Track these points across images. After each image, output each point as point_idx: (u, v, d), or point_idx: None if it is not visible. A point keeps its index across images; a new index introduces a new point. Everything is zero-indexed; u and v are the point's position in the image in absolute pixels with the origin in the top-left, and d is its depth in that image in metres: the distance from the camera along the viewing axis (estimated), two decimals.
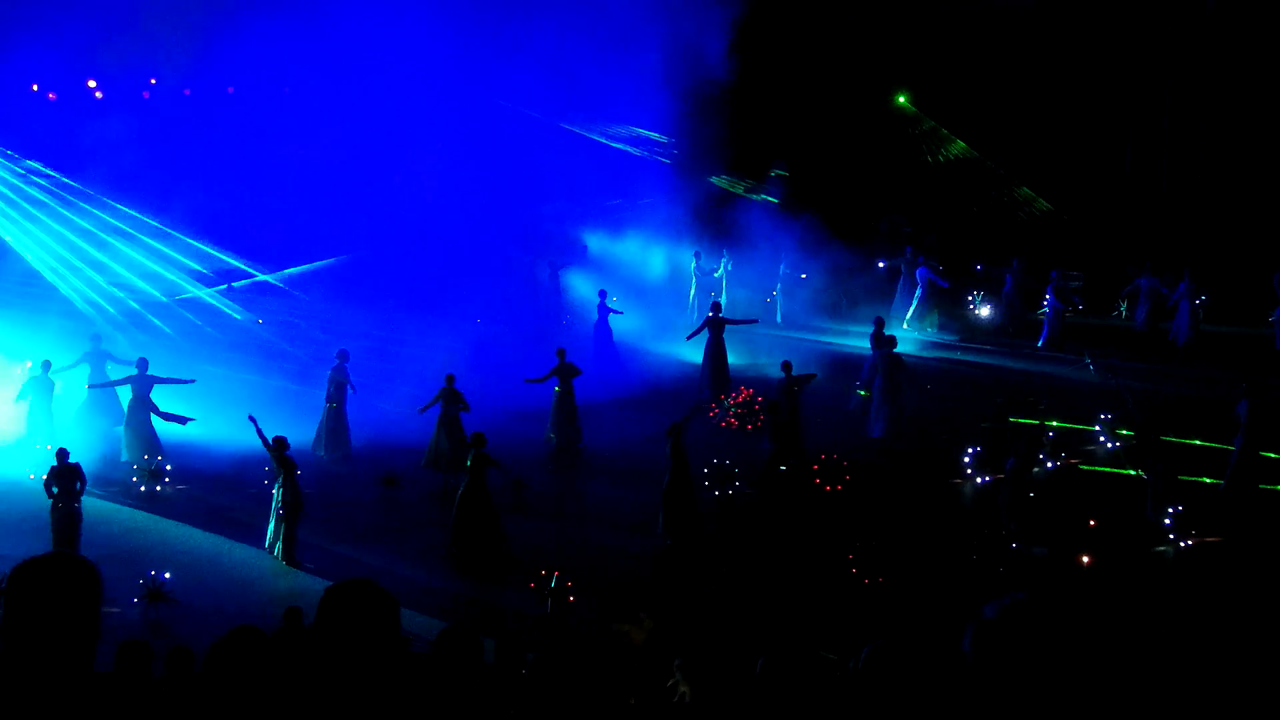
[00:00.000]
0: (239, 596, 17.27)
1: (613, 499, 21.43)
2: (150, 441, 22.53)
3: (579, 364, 24.35)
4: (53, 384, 23.12)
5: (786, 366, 23.17)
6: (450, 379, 22.30)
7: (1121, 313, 33.41)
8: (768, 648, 7.25)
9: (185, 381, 23.05)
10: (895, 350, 24.58)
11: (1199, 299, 31.01)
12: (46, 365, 23.17)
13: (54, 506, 18.30)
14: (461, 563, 18.59)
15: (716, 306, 28.39)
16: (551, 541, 19.16)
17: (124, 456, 22.59)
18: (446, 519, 19.18)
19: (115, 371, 23.92)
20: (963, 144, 38.61)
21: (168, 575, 17.13)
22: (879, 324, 26.24)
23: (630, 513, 20.50)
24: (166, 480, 21.80)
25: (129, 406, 22.73)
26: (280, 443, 18.84)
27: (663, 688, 8.32)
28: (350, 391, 23.36)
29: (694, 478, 19.79)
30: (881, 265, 35.02)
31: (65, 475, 18.45)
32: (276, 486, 18.79)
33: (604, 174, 33.74)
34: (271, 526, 18.83)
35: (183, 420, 22.57)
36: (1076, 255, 34.97)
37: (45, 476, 18.61)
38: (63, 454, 18.75)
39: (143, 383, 22.64)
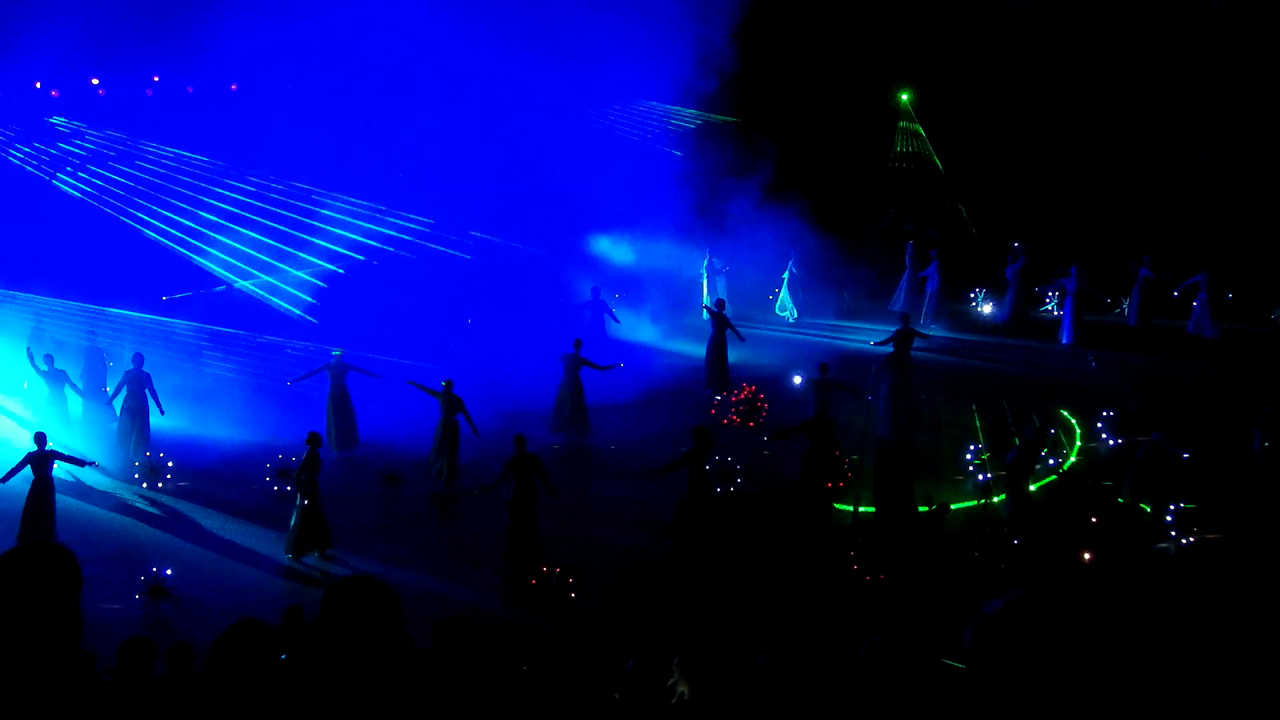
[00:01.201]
0: (240, 592, 17.29)
1: (618, 497, 21.44)
2: (145, 437, 22.51)
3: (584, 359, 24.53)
4: (63, 374, 23.10)
5: (824, 368, 23.16)
6: (448, 384, 21.79)
7: (1124, 310, 33.38)
8: (769, 644, 7.26)
9: (159, 407, 22.85)
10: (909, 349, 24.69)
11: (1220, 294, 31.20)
12: (50, 359, 23.16)
13: (29, 492, 18.43)
14: (517, 571, 18.02)
15: (720, 304, 28.46)
16: (557, 539, 19.13)
17: (119, 453, 22.57)
18: (501, 531, 18.72)
19: (112, 375, 24.01)
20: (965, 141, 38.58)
21: (169, 571, 17.17)
22: (905, 320, 26.19)
23: (635, 511, 20.56)
24: (168, 476, 21.83)
25: (124, 403, 22.67)
26: (312, 439, 18.81)
27: (656, 684, 8.31)
28: (355, 374, 23.36)
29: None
30: (885, 222, 35.11)
31: (41, 461, 18.51)
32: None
33: (610, 168, 33.59)
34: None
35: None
36: (1077, 251, 34.98)
37: (19, 461, 18.69)
38: (40, 438, 18.80)
39: (139, 379, 22.65)
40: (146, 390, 22.55)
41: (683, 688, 7.66)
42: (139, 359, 22.81)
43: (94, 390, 23.92)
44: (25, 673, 4.24)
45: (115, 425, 23.00)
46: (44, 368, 23.04)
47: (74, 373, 23.77)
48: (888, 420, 23.78)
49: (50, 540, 17.94)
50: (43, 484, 18.60)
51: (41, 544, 4.57)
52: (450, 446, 21.48)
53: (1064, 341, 30.78)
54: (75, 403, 23.59)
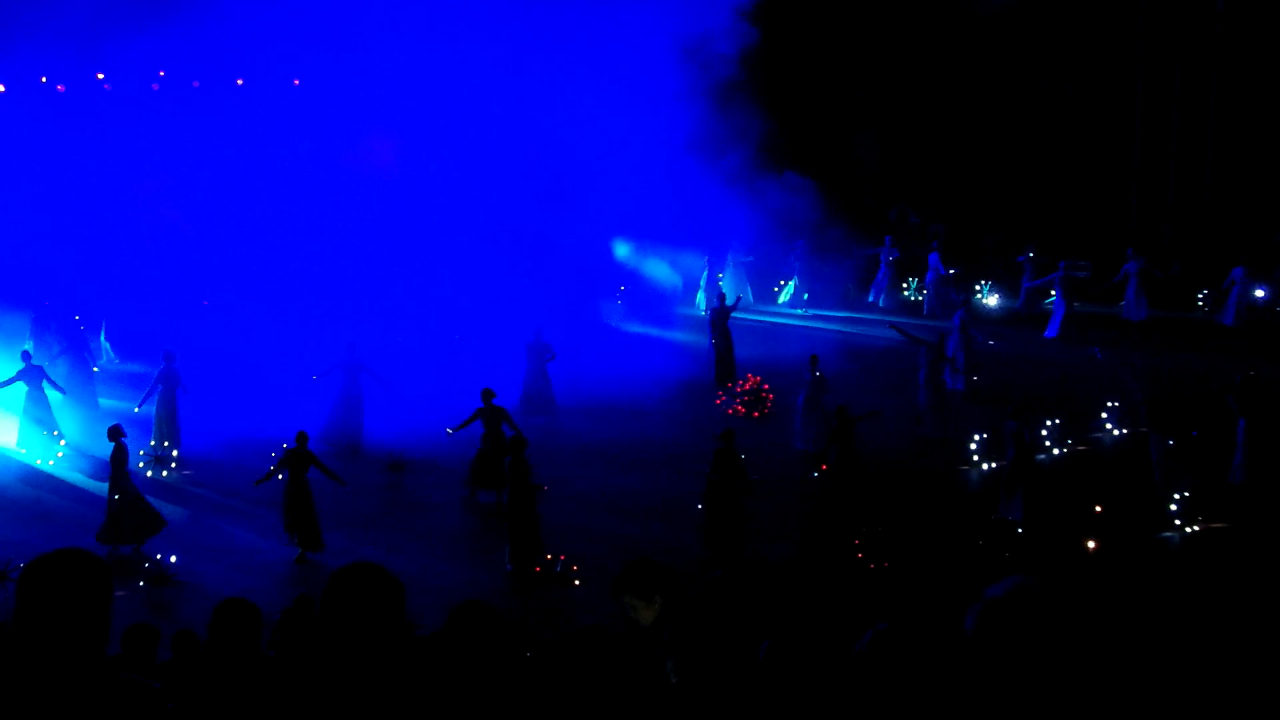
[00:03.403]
0: (245, 580, 17.30)
1: (623, 488, 21.46)
2: (175, 433, 22.49)
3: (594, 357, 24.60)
4: (40, 370, 22.98)
5: (814, 361, 23.42)
6: (488, 394, 20.98)
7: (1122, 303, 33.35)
8: (773, 632, 7.24)
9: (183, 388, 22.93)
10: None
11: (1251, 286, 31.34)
12: (27, 356, 23.03)
13: (118, 488, 18.17)
14: (521, 575, 17.85)
15: (722, 298, 28.52)
16: (563, 528, 19.10)
17: (151, 442, 22.44)
18: (501, 535, 18.52)
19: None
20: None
21: (174, 558, 17.20)
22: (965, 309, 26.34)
23: (642, 501, 20.64)
24: (173, 465, 21.83)
25: (159, 397, 22.49)
26: (299, 438, 18.68)
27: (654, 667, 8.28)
28: (368, 377, 23.32)
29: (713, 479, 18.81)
30: (893, 215, 35.22)
31: (123, 454, 18.33)
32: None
33: (618, 161, 33.33)
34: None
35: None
36: (1087, 244, 35.03)
37: (113, 454, 18.39)
38: (117, 431, 18.53)
39: (172, 376, 22.54)
40: (178, 387, 22.51)
41: (670, 661, 7.64)
42: (170, 356, 22.72)
43: (76, 376, 23.80)
44: (52, 676, 4.27)
45: (96, 410, 23.04)
46: (21, 364, 22.89)
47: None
48: (929, 415, 23.88)
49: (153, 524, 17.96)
50: (125, 478, 18.35)
51: (76, 550, 4.59)
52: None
53: (1046, 335, 30.74)
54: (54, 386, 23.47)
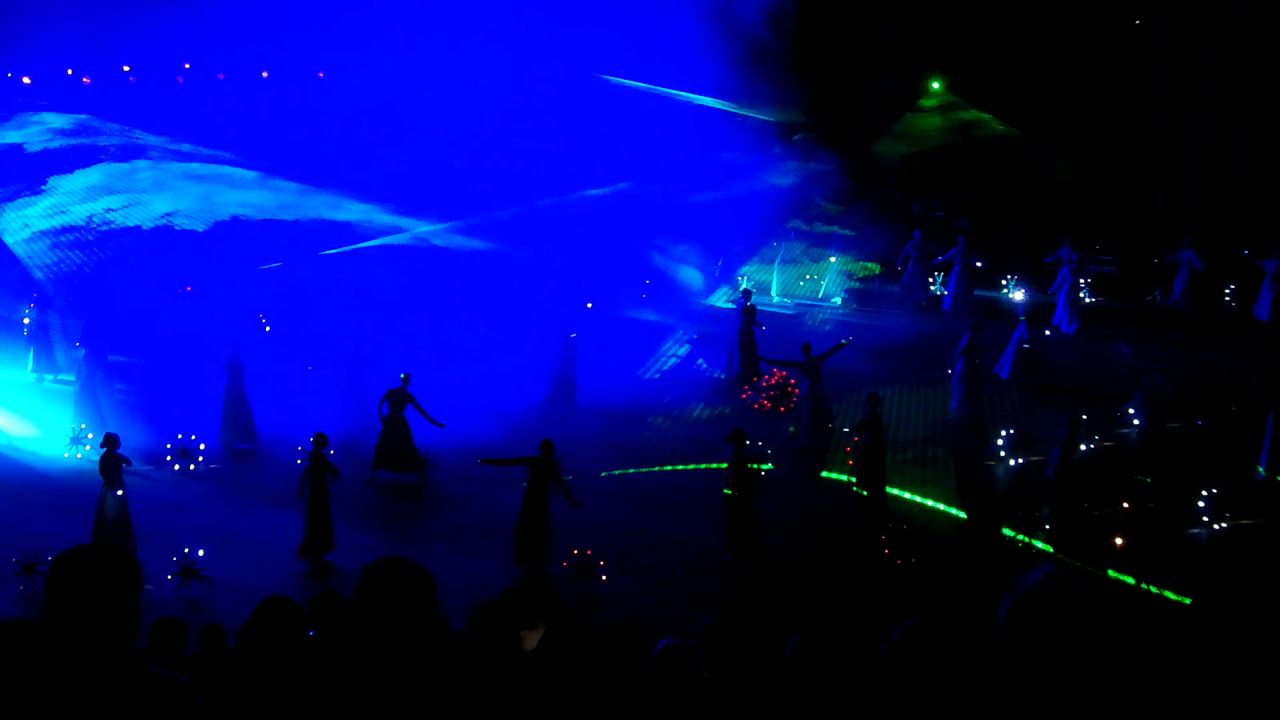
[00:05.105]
0: (272, 574, 17.35)
1: (635, 482, 21.44)
2: (246, 420, 22.48)
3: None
4: (97, 365, 23.08)
5: (805, 349, 23.45)
6: (405, 379, 21.21)
7: (1156, 297, 33.08)
8: (800, 628, 7.22)
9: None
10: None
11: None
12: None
13: (102, 495, 17.89)
14: (525, 559, 17.89)
15: (747, 294, 28.41)
16: (587, 521, 19.08)
17: (221, 437, 22.39)
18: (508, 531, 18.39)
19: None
20: (1000, 124, 38.33)
21: (201, 552, 17.24)
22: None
23: (657, 496, 20.59)
24: (200, 459, 21.87)
25: (225, 388, 22.48)
26: (317, 440, 18.45)
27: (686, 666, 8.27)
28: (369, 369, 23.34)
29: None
30: (916, 210, 35.28)
31: (113, 463, 18.06)
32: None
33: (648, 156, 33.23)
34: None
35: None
36: (1111, 239, 34.84)
37: (100, 462, 18.07)
38: (112, 440, 18.25)
39: (235, 365, 22.45)
40: (243, 376, 22.49)
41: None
42: (236, 345, 22.71)
43: (93, 368, 23.86)
44: (81, 670, 4.29)
45: (115, 399, 23.23)
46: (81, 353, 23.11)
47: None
48: (963, 402, 23.81)
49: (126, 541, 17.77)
50: (115, 486, 18.01)
51: (106, 545, 4.61)
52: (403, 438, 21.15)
53: (1065, 330, 30.52)
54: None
